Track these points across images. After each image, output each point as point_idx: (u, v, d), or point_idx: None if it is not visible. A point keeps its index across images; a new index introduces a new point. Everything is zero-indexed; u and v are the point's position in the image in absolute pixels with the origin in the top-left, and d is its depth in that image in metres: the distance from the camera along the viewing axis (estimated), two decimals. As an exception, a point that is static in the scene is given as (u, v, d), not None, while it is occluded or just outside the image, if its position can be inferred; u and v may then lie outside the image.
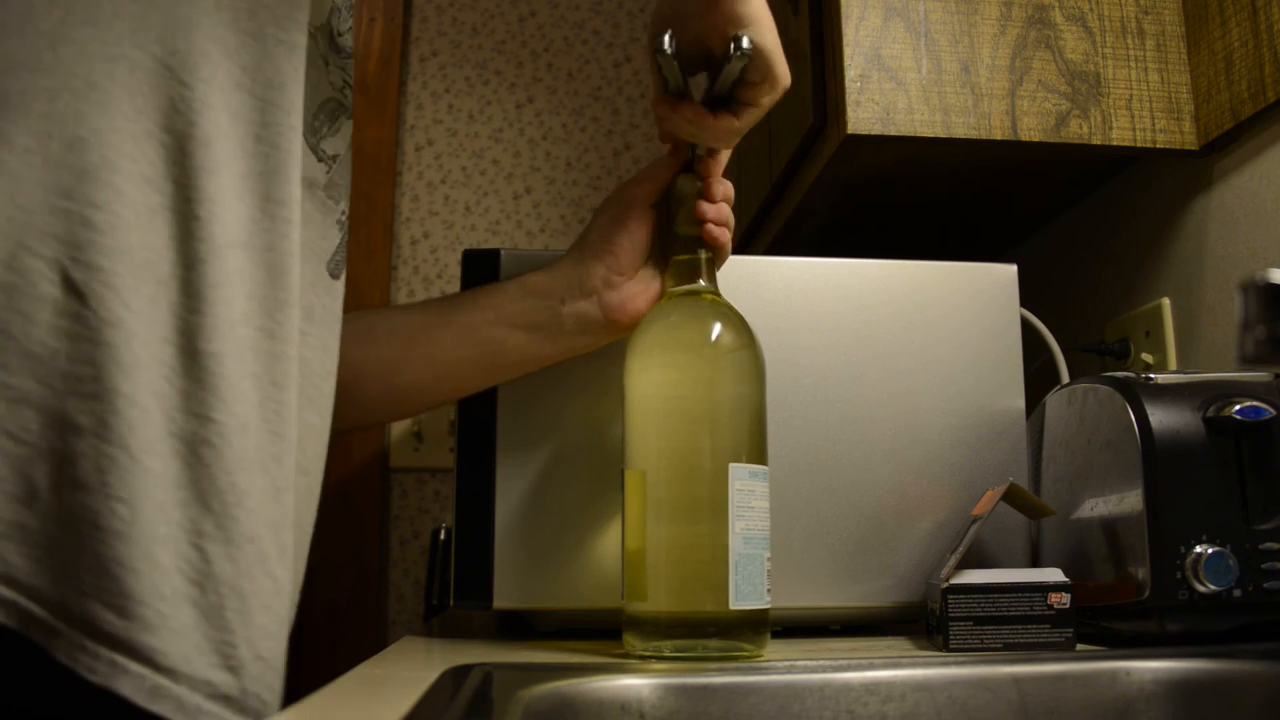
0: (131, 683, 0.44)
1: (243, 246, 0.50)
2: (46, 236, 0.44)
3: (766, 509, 0.62)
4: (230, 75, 0.50)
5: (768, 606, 0.61)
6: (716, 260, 0.69)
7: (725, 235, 0.67)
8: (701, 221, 0.67)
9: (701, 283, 0.67)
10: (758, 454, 0.63)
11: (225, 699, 0.48)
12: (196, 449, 0.47)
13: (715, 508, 0.60)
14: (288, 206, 0.53)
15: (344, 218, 0.63)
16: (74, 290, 0.44)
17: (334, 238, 0.62)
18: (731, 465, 0.60)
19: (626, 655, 0.60)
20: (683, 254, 0.67)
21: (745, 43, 0.61)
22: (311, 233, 0.60)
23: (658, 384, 0.63)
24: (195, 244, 0.48)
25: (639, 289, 0.68)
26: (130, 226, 0.46)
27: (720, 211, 0.67)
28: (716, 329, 0.64)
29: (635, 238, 0.68)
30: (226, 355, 0.49)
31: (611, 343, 0.70)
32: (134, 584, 0.44)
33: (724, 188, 0.68)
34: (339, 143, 0.62)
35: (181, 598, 0.46)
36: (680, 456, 0.61)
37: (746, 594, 0.60)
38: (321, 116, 0.61)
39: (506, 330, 0.68)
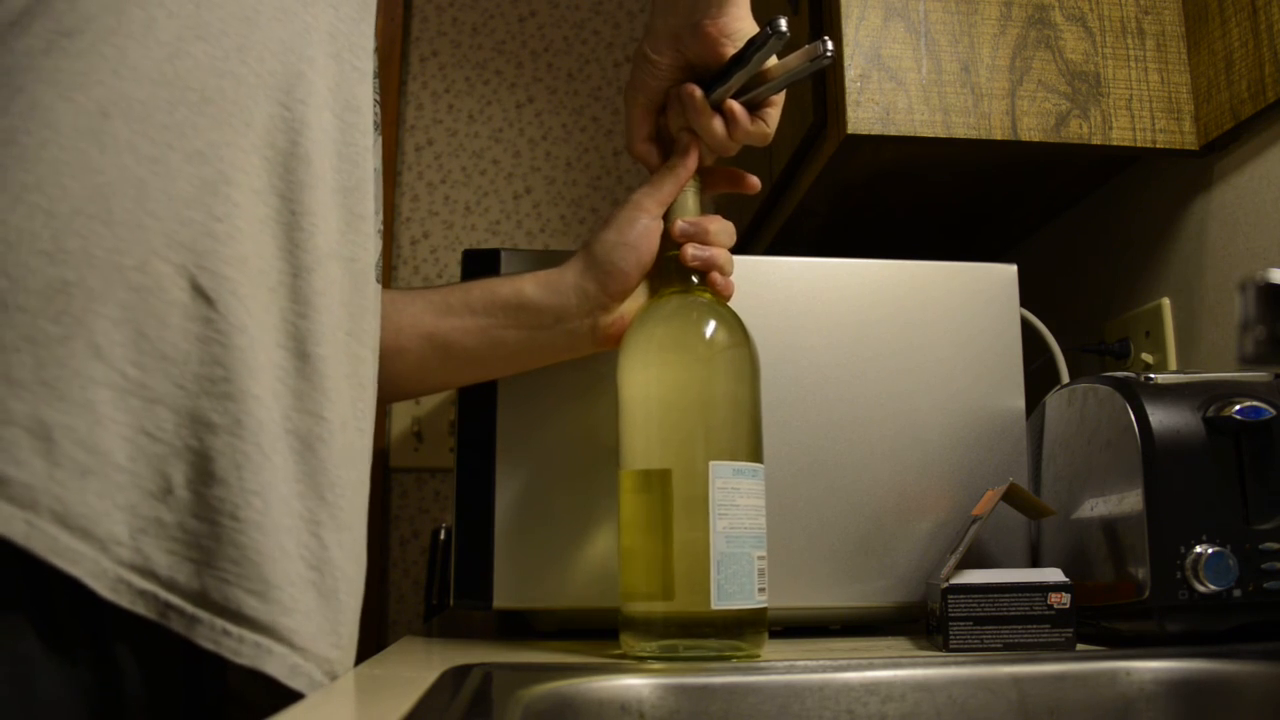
0: (275, 662, 0.47)
1: (335, 257, 0.53)
2: (174, 244, 0.45)
3: (758, 507, 0.62)
4: (319, 95, 0.53)
5: (760, 606, 0.61)
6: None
7: (710, 256, 0.67)
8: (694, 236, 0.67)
9: (694, 281, 0.67)
10: (751, 452, 0.62)
11: (334, 675, 0.51)
12: (312, 445, 0.50)
13: (702, 506, 0.60)
14: (367, 221, 0.56)
15: (380, 227, 0.65)
16: (203, 296, 0.46)
17: (376, 247, 0.64)
18: (712, 464, 0.60)
19: (625, 655, 0.60)
20: (677, 252, 0.67)
21: (782, 25, 0.60)
22: None
23: (650, 383, 0.63)
24: (302, 254, 0.50)
25: (630, 307, 0.69)
26: (246, 237, 0.48)
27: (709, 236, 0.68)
28: (709, 327, 0.64)
29: (643, 261, 0.67)
30: (329, 358, 0.52)
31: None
32: (271, 571, 0.46)
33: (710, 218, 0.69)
34: (375, 158, 0.64)
35: (305, 582, 0.49)
36: (671, 455, 0.61)
37: (731, 594, 0.59)
38: None
39: (494, 341, 0.69)
